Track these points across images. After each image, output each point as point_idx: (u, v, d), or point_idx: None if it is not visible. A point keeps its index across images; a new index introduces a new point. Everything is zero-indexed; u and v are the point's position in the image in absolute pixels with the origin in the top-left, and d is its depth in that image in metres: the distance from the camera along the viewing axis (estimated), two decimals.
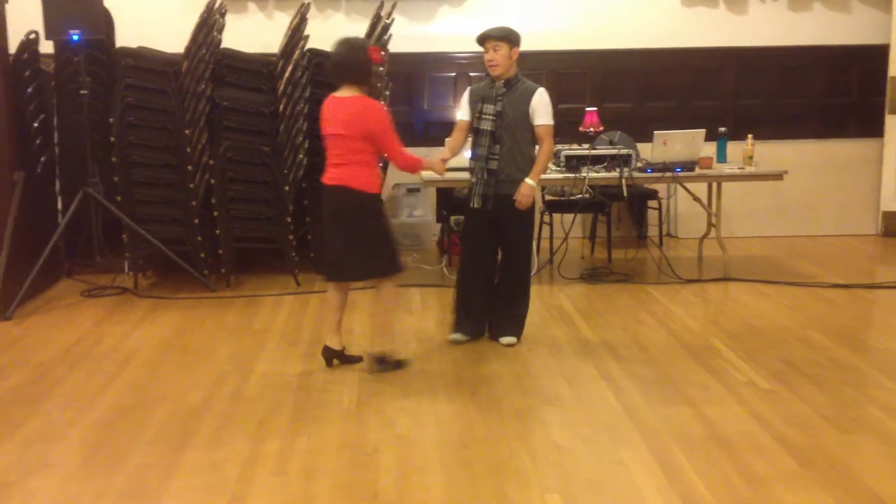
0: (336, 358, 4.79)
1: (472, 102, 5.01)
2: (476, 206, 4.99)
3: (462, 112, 5.07)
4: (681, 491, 3.41)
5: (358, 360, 4.82)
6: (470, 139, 5.06)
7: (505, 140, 4.91)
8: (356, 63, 4.49)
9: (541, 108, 4.92)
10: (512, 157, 4.93)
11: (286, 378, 4.69)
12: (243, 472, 3.63)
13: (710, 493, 3.39)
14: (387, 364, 4.72)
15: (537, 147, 5.01)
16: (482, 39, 4.92)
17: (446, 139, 5.20)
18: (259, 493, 3.47)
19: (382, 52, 4.92)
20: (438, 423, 4.10)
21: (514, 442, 3.88)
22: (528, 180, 4.91)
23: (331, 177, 4.58)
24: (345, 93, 4.53)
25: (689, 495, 3.38)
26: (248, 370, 4.81)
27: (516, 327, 5.17)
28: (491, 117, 4.90)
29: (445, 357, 4.97)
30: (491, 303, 5.17)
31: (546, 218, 7.19)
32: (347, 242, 4.57)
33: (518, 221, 5.02)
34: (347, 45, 4.54)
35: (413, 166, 4.76)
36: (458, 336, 5.16)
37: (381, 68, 4.58)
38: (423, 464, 3.68)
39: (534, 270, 6.25)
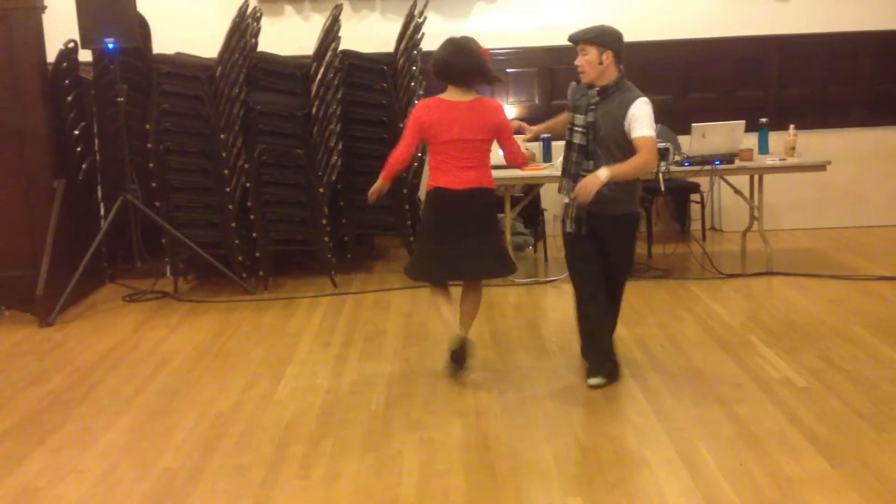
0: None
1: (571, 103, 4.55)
2: (571, 230, 4.46)
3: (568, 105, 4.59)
4: (706, 492, 3.34)
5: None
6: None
7: (600, 156, 4.30)
8: (482, 63, 4.53)
9: (638, 119, 4.23)
10: None
11: (316, 381, 4.70)
12: (267, 476, 3.65)
13: (736, 494, 3.32)
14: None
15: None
16: (573, 42, 4.38)
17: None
18: (281, 497, 3.49)
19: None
20: (464, 425, 4.08)
21: (538, 443, 3.83)
22: (602, 171, 4.22)
23: (465, 179, 4.51)
24: (463, 95, 4.52)
25: (713, 497, 3.31)
26: (279, 373, 4.84)
27: (609, 364, 4.54)
28: (581, 129, 4.35)
29: (475, 359, 4.93)
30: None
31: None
32: (483, 242, 4.59)
33: (618, 247, 4.48)
34: (467, 46, 4.53)
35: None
36: (598, 381, 4.43)
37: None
38: (445, 466, 3.66)
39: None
